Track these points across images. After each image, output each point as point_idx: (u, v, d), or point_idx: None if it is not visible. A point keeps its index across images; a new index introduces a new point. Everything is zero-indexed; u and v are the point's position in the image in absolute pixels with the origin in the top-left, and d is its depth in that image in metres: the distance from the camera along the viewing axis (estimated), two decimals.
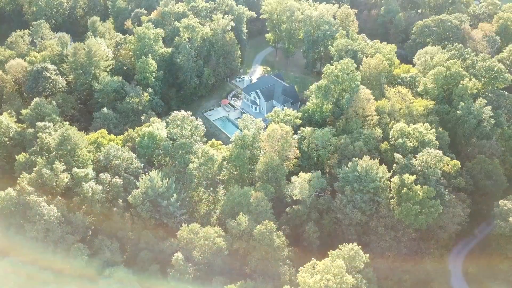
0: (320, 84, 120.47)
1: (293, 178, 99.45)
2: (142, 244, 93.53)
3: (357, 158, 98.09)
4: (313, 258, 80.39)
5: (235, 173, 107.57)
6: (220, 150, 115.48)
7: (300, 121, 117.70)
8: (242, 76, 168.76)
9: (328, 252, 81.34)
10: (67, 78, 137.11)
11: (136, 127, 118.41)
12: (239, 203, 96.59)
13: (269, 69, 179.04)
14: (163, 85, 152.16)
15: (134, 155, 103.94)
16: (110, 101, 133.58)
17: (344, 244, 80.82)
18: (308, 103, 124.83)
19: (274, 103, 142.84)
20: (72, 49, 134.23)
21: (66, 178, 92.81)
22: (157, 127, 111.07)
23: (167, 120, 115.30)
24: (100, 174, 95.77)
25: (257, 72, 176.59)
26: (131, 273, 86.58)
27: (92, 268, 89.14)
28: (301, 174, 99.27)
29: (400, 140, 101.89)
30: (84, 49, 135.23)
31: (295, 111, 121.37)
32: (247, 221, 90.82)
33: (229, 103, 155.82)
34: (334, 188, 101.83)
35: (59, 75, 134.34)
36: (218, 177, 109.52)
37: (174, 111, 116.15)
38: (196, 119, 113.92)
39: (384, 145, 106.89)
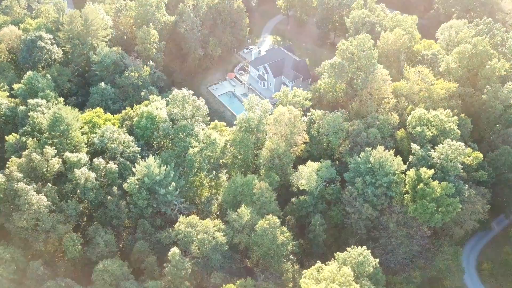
0: (333, 62, 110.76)
1: (300, 167, 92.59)
2: (139, 234, 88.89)
3: (370, 148, 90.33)
4: (318, 261, 74.68)
5: (239, 157, 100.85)
6: (224, 132, 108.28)
7: (310, 103, 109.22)
8: (250, 47, 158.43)
9: (335, 254, 75.59)
10: (63, 48, 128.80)
11: (135, 105, 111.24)
12: (242, 193, 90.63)
13: (279, 39, 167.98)
14: (165, 57, 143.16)
15: (131, 138, 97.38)
16: (109, 74, 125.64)
17: (352, 246, 74.86)
18: (319, 82, 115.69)
19: (283, 79, 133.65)
20: (68, 17, 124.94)
21: (58, 163, 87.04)
22: (157, 106, 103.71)
23: (167, 98, 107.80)
24: (94, 160, 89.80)
25: (267, 42, 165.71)
26: (127, 265, 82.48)
27: (86, 259, 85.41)
28: (309, 163, 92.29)
29: (418, 128, 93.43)
30: (80, 17, 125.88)
31: (306, 91, 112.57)
32: (249, 213, 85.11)
33: (236, 77, 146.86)
34: (344, 178, 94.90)
35: (55, 45, 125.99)
36: (220, 160, 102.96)
37: (175, 90, 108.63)
38: (198, 98, 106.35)
39: (400, 133, 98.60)
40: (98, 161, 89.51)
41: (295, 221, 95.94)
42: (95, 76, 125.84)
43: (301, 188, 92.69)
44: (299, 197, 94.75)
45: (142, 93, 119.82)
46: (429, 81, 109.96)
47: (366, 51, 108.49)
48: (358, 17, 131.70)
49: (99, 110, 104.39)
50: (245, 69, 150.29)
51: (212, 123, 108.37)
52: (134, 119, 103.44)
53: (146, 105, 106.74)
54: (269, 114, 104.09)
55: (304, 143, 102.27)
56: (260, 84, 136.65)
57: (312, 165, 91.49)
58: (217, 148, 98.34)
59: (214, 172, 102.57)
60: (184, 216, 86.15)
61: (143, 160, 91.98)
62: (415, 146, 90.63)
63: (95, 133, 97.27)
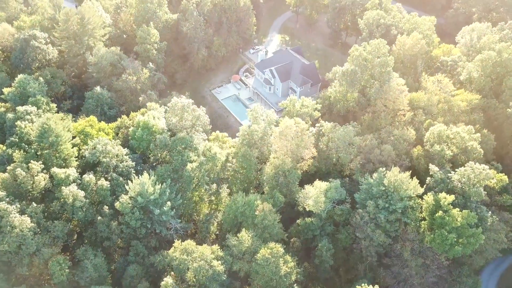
0: (345, 69, 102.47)
1: (307, 188, 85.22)
2: (131, 257, 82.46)
3: (384, 169, 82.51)
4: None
5: (241, 172, 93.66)
6: (226, 143, 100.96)
7: (319, 114, 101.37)
8: (257, 47, 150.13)
9: None
10: (59, 47, 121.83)
11: (132, 112, 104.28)
12: (243, 213, 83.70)
13: (287, 38, 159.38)
14: (167, 57, 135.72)
15: (125, 151, 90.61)
16: (106, 76, 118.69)
17: (362, 285, 67.69)
18: (329, 90, 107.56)
19: (291, 84, 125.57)
20: (63, 15, 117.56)
21: (44, 179, 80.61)
22: (154, 115, 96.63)
23: (166, 106, 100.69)
24: (84, 176, 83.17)
25: (274, 42, 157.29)
26: None
27: (74, 282, 79.32)
28: (317, 183, 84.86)
29: (437, 146, 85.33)
30: (76, 15, 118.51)
31: (314, 101, 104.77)
32: (251, 238, 78.27)
33: (241, 80, 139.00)
34: (354, 198, 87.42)
35: (50, 45, 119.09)
36: (222, 175, 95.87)
37: (174, 97, 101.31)
38: (199, 106, 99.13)
39: (417, 150, 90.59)
40: (89, 177, 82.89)
41: (300, 243, 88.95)
42: (92, 78, 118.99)
43: (307, 210, 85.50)
44: (305, 218, 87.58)
45: (140, 99, 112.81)
46: (449, 91, 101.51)
47: (381, 57, 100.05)
48: (372, 19, 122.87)
49: (93, 119, 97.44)
50: (250, 71, 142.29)
51: (213, 133, 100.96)
52: (130, 129, 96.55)
53: (143, 114, 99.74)
54: (275, 126, 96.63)
55: (312, 157, 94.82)
56: (266, 89, 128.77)
57: (320, 186, 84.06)
58: (217, 163, 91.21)
59: (214, 186, 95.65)
60: (180, 240, 79.41)
61: (138, 176, 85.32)
62: (433, 168, 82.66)
63: (87, 144, 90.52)
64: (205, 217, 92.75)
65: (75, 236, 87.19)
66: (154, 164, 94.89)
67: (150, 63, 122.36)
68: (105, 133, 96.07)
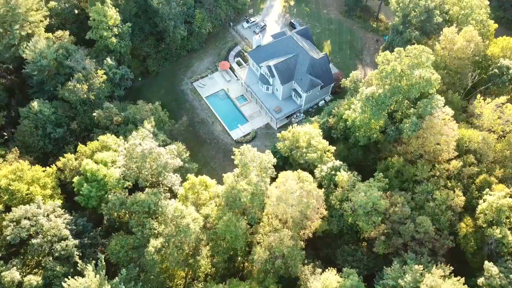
0: (371, 93, 73.57)
1: (314, 285, 62.39)
2: None
3: (421, 267, 58.82)
4: None
5: (223, 244, 70.18)
6: (208, 189, 75.82)
7: (332, 158, 74.77)
8: (252, 19, 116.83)
9: None
10: None
11: (80, 146, 77.73)
12: None
13: (292, 3, 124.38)
14: (135, 37, 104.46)
15: (65, 222, 66.41)
16: (51, 77, 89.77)
17: None
18: (346, 113, 79.32)
19: (295, 86, 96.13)
20: None
21: None
22: (107, 159, 70.78)
23: (129, 136, 74.46)
24: (3, 274, 59.99)
25: (275, 10, 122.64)
26: None
27: None
28: (325, 279, 61.82)
29: (495, 230, 60.76)
30: None
31: (323, 118, 78.16)
32: None
33: (231, 68, 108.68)
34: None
35: None
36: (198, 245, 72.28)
37: (133, 135, 74.17)
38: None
39: (465, 225, 65.98)
40: (11, 275, 59.74)
41: None
42: (33, 79, 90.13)
43: None
44: None
45: (95, 115, 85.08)
46: None
47: (423, 75, 70.74)
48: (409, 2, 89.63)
49: (22, 165, 71.24)
50: (244, 53, 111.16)
51: (190, 179, 75.11)
52: (74, 179, 71.23)
53: (91, 154, 73.68)
54: (271, 173, 71.06)
55: (320, 217, 70.86)
56: (263, 88, 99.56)
57: (329, 281, 61.26)
58: (191, 235, 67.21)
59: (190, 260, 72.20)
60: None
61: (84, 258, 62.55)
62: (488, 266, 58.96)
63: (12, 211, 65.95)
64: None
65: None
66: (108, 229, 71.38)
67: (108, 59, 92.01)
68: (40, 186, 70.82)
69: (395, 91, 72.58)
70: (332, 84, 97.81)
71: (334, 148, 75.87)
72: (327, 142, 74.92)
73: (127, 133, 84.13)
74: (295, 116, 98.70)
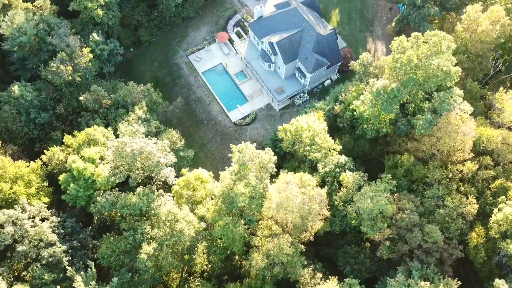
0: (381, 86, 66.58)
1: None
2: None
3: (427, 283, 55.75)
4: None
5: (219, 244, 67.05)
6: (205, 184, 71.36)
7: (338, 155, 69.21)
8: None
9: None
10: None
11: (65, 137, 72.11)
12: None
13: None
14: (124, 4, 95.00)
15: (52, 226, 62.66)
16: (33, 53, 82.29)
17: None
18: (355, 102, 72.55)
19: (299, 65, 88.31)
20: None
21: None
22: (92, 156, 65.73)
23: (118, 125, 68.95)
24: None
25: None
26: None
27: None
28: None
29: (509, 245, 56.97)
30: None
31: (329, 103, 72.38)
32: None
33: (229, 40, 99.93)
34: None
35: None
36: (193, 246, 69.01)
37: (120, 128, 68.42)
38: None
39: (476, 237, 62.04)
40: None
41: None
42: (13, 56, 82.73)
43: None
44: None
45: (81, 98, 78.62)
46: None
47: (441, 65, 63.60)
48: None
49: (4, 161, 66.26)
50: (244, 22, 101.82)
51: (184, 174, 70.39)
52: (61, 176, 66.64)
53: (78, 148, 68.44)
54: (270, 173, 66.23)
55: (322, 219, 67.10)
56: (264, 65, 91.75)
57: None
58: (185, 240, 63.71)
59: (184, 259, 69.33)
60: None
61: (73, 264, 59.74)
62: (499, 284, 55.75)
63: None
64: None
65: None
66: (99, 229, 67.91)
67: (95, 35, 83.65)
68: (24, 183, 66.31)
69: (409, 84, 65.72)
70: (340, 63, 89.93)
71: (340, 147, 69.95)
72: (333, 141, 69.01)
73: (117, 118, 78.43)
74: (298, 96, 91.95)
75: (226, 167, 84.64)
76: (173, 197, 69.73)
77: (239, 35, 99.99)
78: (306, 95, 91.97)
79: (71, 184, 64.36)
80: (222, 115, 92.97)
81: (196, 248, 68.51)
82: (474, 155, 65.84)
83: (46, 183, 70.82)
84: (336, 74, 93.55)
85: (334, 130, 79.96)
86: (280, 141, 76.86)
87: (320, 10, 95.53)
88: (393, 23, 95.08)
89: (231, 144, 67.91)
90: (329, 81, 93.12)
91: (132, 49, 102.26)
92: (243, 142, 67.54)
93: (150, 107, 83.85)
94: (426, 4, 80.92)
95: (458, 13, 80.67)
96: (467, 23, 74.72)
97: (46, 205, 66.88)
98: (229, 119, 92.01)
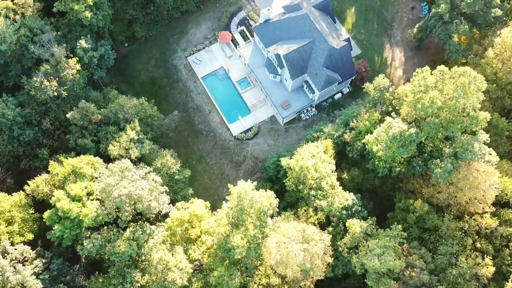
0: (400, 131, 59.45)
1: None
2: None
3: None
4: None
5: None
6: (202, 221, 66.57)
7: (344, 192, 63.40)
8: None
9: None
10: None
11: (51, 165, 66.42)
12: None
13: None
14: None
15: (36, 271, 58.73)
16: (16, 59, 75.02)
17: None
18: (367, 138, 65.51)
19: (307, 78, 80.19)
20: None
21: None
22: (80, 192, 60.65)
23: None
24: None
25: None
26: None
27: None
28: None
29: None
30: None
31: (338, 129, 66.26)
32: None
33: (233, 40, 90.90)
34: None
35: None
36: None
37: (110, 166, 62.54)
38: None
39: None
40: None
41: None
42: None
43: None
44: None
45: (69, 116, 71.95)
46: None
47: (468, 104, 56.42)
48: None
49: None
50: (249, 20, 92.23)
51: (178, 209, 65.33)
52: (45, 214, 61.89)
53: (64, 180, 63.21)
54: (271, 217, 61.25)
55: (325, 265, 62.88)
56: (270, 76, 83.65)
57: None
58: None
59: None
60: None
61: None
62: None
63: None
64: None
65: None
66: (87, 267, 64.11)
67: (82, 42, 75.22)
68: (6, 220, 61.62)
69: (430, 128, 58.67)
70: (353, 77, 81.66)
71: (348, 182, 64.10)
72: (341, 188, 62.97)
73: (108, 135, 72.43)
74: (305, 111, 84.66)
75: (225, 188, 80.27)
76: (166, 230, 65.30)
77: (243, 35, 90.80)
78: (314, 109, 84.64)
79: (56, 226, 59.74)
80: (223, 127, 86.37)
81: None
82: (494, 209, 59.98)
83: (31, 211, 66.46)
84: (348, 87, 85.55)
85: (342, 157, 73.83)
86: (282, 169, 71.39)
87: (334, 12, 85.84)
88: (415, 29, 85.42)
89: (229, 184, 62.50)
90: (339, 94, 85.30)
91: (127, 44, 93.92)
92: (240, 180, 61.94)
93: (144, 121, 77.55)
94: (455, 20, 71.22)
95: (491, 32, 71.24)
96: (500, 49, 65.96)
97: (31, 239, 62.98)
98: (230, 132, 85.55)
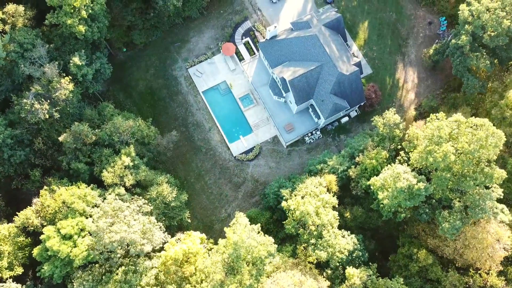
0: (408, 185, 55.93)
1: None
2: None
3: None
4: None
5: None
6: (195, 256, 64.57)
7: (345, 232, 60.74)
8: None
9: None
10: None
11: (41, 195, 63.79)
12: None
13: None
14: (114, 3, 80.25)
15: None
16: (6, 73, 71.15)
17: None
18: (373, 180, 62.17)
19: (313, 103, 75.77)
20: None
21: None
22: (72, 229, 58.50)
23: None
24: None
25: None
26: None
27: None
28: None
29: None
30: None
31: (344, 161, 63.30)
32: None
33: (236, 53, 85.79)
34: None
35: None
36: None
37: (103, 205, 59.83)
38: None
39: None
40: None
41: None
42: None
43: None
44: None
45: (61, 139, 68.55)
46: None
47: (481, 165, 52.91)
48: (484, 11, 63.40)
49: None
50: (254, 32, 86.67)
51: (171, 246, 63.07)
52: (34, 251, 59.91)
53: (54, 215, 60.80)
54: (273, 256, 59.11)
55: None
56: (275, 97, 79.23)
57: None
58: None
59: None
60: None
61: None
62: None
63: None
64: None
65: None
66: None
67: (76, 59, 70.55)
68: None
69: (440, 182, 55.23)
70: (362, 103, 77.18)
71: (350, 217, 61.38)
72: (344, 240, 60.12)
73: (103, 159, 69.45)
74: (310, 134, 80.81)
75: (223, 209, 78.40)
76: (159, 268, 63.41)
77: (248, 47, 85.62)
78: (319, 132, 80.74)
79: (46, 265, 57.87)
80: (223, 146, 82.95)
81: None
82: (502, 268, 57.39)
83: (22, 238, 64.65)
84: (356, 111, 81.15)
85: (346, 191, 70.77)
86: (281, 198, 68.87)
87: (346, 25, 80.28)
88: (431, 50, 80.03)
89: (225, 228, 59.86)
90: (346, 118, 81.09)
91: (125, 50, 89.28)
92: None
93: (140, 141, 74.36)
94: (475, 53, 65.87)
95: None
96: None
97: (21, 273, 61.42)
98: (230, 151, 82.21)
